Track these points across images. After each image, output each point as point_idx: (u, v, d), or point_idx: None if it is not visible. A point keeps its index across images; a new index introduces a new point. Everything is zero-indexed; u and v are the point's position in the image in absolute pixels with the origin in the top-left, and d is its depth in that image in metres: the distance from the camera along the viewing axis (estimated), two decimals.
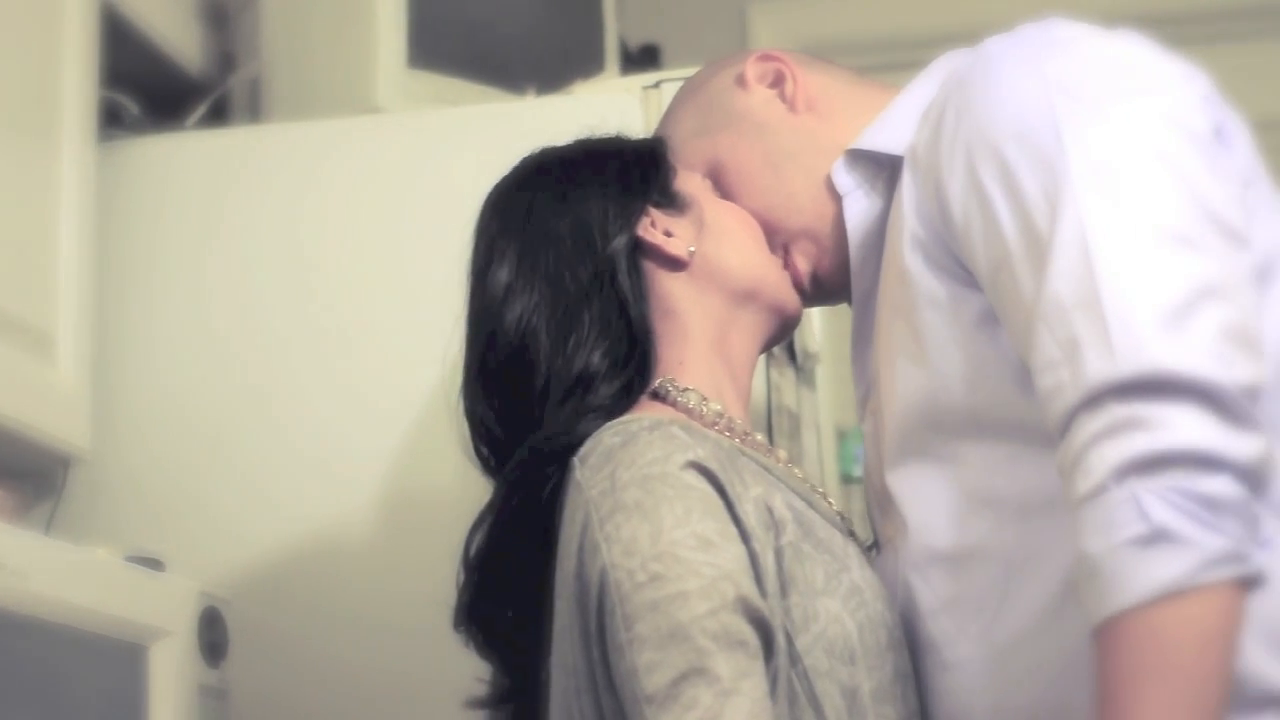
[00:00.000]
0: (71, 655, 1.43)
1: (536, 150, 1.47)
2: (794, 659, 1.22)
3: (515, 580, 1.34)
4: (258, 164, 2.04)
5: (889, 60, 2.06)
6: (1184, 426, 1.10)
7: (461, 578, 1.36)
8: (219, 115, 2.32)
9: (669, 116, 1.56)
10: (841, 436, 2.55)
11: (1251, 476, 1.11)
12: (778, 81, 1.51)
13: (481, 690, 1.40)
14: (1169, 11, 2.77)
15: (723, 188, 1.48)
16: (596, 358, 1.35)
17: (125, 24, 2.16)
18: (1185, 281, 1.15)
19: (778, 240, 1.47)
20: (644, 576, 1.18)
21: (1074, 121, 1.23)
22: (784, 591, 1.23)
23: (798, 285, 1.47)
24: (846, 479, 2.55)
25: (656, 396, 1.37)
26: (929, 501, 1.34)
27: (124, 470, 1.93)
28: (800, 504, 1.32)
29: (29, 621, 1.37)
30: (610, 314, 1.36)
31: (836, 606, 1.26)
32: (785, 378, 2.05)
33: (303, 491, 1.91)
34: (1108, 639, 1.10)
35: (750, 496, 1.25)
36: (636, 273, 1.39)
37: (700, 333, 1.40)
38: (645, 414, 1.31)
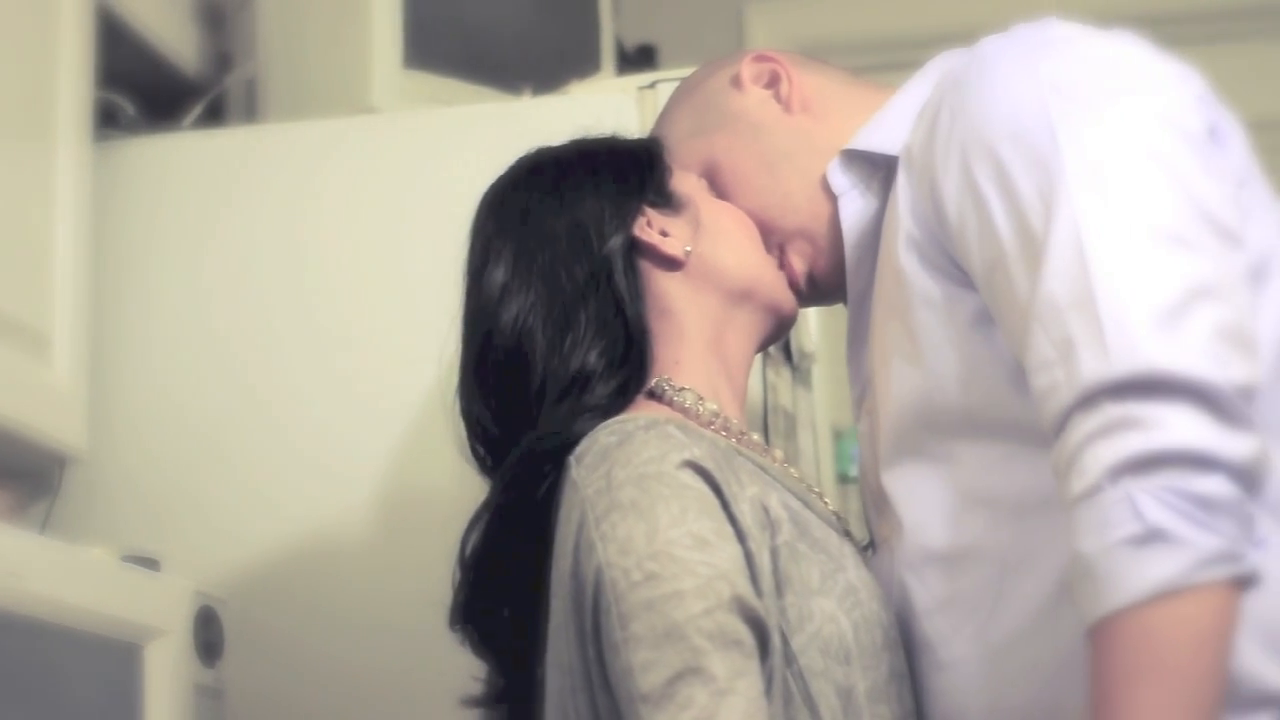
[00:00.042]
0: (67, 655, 1.43)
1: (532, 150, 1.47)
2: (789, 659, 1.22)
3: (511, 579, 1.34)
4: (254, 164, 2.04)
5: (885, 60, 2.06)
6: (1178, 426, 1.10)
7: (457, 577, 1.36)
8: (215, 116, 2.31)
9: (664, 117, 1.56)
10: (837, 436, 2.55)
11: (1246, 476, 1.11)
12: (773, 82, 1.51)
13: (477, 689, 1.40)
14: (1165, 11, 2.76)
15: (718, 188, 1.48)
16: (593, 357, 1.35)
17: (121, 24, 2.16)
18: (1180, 281, 1.15)
19: (773, 240, 1.47)
20: (639, 575, 1.18)
21: (1069, 121, 1.23)
22: (779, 591, 1.23)
23: (793, 285, 1.47)
24: (843, 479, 2.54)
25: (653, 396, 1.37)
26: (924, 501, 1.34)
27: (120, 470, 1.93)
28: (796, 504, 1.32)
29: (25, 621, 1.37)
30: (606, 313, 1.36)
31: (832, 606, 1.26)
32: (781, 377, 2.05)
33: (299, 491, 1.91)
34: (1102, 639, 1.10)
35: (746, 496, 1.25)
36: (632, 272, 1.39)
37: (696, 332, 1.40)
38: (641, 413, 1.31)
